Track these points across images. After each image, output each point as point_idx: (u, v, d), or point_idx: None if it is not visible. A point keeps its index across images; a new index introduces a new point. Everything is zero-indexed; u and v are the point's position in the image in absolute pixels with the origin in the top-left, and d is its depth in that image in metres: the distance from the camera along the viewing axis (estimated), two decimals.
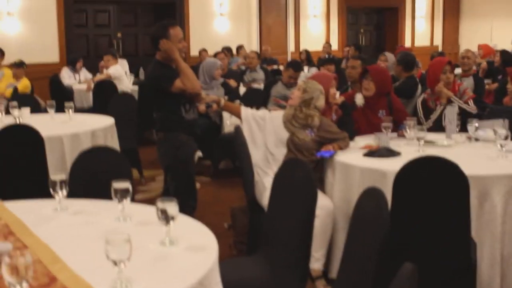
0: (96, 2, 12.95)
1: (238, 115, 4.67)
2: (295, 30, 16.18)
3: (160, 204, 2.36)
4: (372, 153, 4.12)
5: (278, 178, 3.27)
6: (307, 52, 13.89)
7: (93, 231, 2.64)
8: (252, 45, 15.05)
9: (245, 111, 4.65)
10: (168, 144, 4.66)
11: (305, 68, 11.60)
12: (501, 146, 3.98)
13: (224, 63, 9.34)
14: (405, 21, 19.10)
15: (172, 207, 2.35)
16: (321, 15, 16.87)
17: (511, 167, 3.79)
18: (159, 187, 6.64)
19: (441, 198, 3.20)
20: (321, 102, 4.48)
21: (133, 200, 2.81)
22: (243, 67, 10.31)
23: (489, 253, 3.58)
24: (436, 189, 3.20)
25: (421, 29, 19.63)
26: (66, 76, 10.40)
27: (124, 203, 2.70)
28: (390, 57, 7.89)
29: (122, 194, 2.67)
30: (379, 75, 5.10)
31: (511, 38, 17.92)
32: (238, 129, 4.53)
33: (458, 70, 8.76)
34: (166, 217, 2.35)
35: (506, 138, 4.00)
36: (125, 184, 2.68)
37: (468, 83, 7.27)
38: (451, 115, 4.65)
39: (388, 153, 4.07)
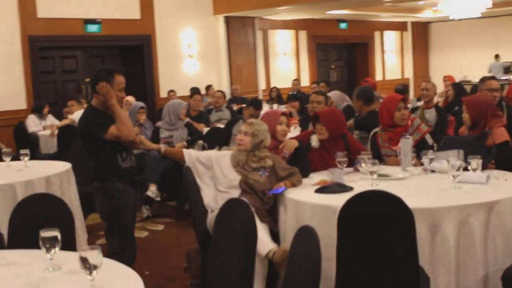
0: (63, 48, 12.88)
1: (182, 160, 4.56)
2: (265, 68, 16.26)
3: (82, 253, 2.26)
4: (323, 189, 4.04)
5: (220, 218, 3.19)
6: (277, 89, 13.91)
7: (19, 284, 2.53)
8: (223, 85, 15.05)
9: (188, 155, 4.55)
10: (104, 193, 4.43)
11: (275, 106, 11.59)
12: (454, 177, 3.92)
13: (198, 105, 9.28)
14: (375, 55, 19.31)
15: (94, 256, 2.25)
16: (291, 52, 16.98)
17: (462, 198, 3.72)
18: None
19: (386, 233, 3.13)
20: (269, 140, 4.46)
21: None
22: (210, 107, 10.26)
23: (444, 287, 3.49)
24: (380, 223, 3.13)
25: (391, 62, 19.85)
26: (32, 124, 10.28)
27: (52, 252, 2.59)
28: (335, 93, 7.90)
29: (51, 243, 2.57)
30: (330, 120, 4.99)
31: (480, 69, 18.18)
32: (187, 169, 4.45)
33: (420, 103, 8.82)
34: (88, 266, 2.25)
35: (458, 169, 3.95)
36: (53, 233, 2.58)
37: (430, 115, 7.29)
38: (405, 148, 4.60)
39: (340, 188, 4.00)
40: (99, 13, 12.54)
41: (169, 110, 7.51)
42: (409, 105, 8.86)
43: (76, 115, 9.20)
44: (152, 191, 7.00)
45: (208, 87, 13.18)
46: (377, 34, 19.38)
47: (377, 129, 5.25)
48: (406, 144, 4.60)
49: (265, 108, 12.07)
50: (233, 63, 15.25)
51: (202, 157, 4.51)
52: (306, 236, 2.36)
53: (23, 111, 11.22)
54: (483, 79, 6.32)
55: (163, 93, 13.37)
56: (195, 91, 12.13)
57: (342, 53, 19.28)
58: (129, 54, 13.87)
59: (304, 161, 4.69)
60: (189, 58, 14.55)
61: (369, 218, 3.13)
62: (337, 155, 4.66)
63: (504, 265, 3.57)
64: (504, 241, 3.62)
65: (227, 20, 15.03)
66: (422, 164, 4.52)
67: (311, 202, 3.84)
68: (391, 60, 19.84)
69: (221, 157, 4.49)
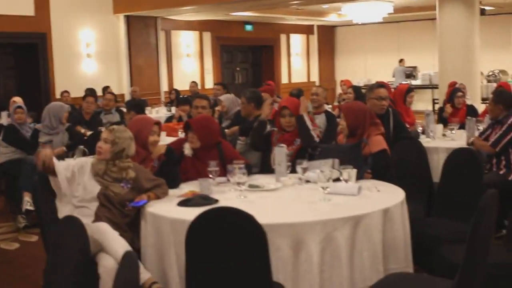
0: None
1: (53, 171, 4.10)
2: (167, 69, 15.90)
3: None
4: (186, 201, 3.77)
5: (56, 236, 2.87)
6: (176, 91, 13.57)
7: None
8: (123, 86, 14.63)
9: (58, 165, 4.12)
10: None
11: (173, 108, 11.25)
12: (323, 188, 3.72)
13: (91, 108, 8.78)
14: (281, 58, 19.26)
15: None
16: (195, 54, 16.71)
17: (328, 211, 3.52)
18: None
19: (236, 252, 2.89)
20: (132, 150, 4.12)
21: None
22: (99, 110, 9.77)
23: None
24: (229, 242, 2.88)
25: (297, 65, 19.87)
26: None
27: None
28: (226, 97, 7.75)
29: None
30: (201, 128, 4.71)
31: (384, 73, 18.44)
32: (40, 180, 4.08)
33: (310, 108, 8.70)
34: None
35: (328, 179, 3.76)
36: None
37: (320, 121, 7.13)
38: (279, 157, 4.38)
39: (203, 201, 3.73)
40: None
41: (49, 113, 7.04)
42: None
43: None
44: (27, 201, 6.52)
45: (105, 89, 12.67)
46: (283, 37, 19.35)
47: (274, 128, 5.09)
48: (280, 153, 4.39)
49: (162, 111, 11.78)
50: (134, 64, 14.84)
51: (76, 165, 4.12)
52: (127, 263, 2.07)
53: None
54: (371, 88, 6.22)
55: (58, 94, 12.77)
56: (89, 92, 11.65)
57: (248, 55, 19.14)
58: (23, 52, 13.23)
59: (173, 170, 4.41)
60: (87, 58, 14.06)
61: (217, 236, 2.87)
62: (209, 165, 4.44)
63: (371, 281, 3.40)
64: (371, 256, 3.44)
65: (128, 19, 14.63)
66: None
67: (170, 216, 3.55)
68: (297, 63, 19.86)
69: (84, 165, 4.12)
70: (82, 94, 12.18)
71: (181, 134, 6.82)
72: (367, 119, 4.66)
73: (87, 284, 3.02)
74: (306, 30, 20.05)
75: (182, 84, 15.07)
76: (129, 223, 3.95)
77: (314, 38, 20.35)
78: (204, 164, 4.48)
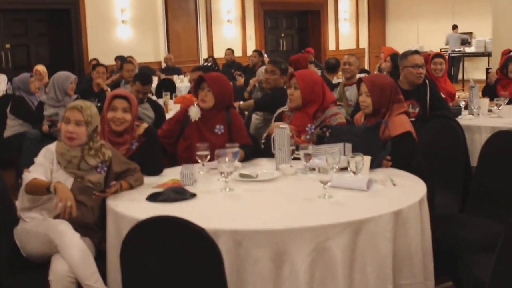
0: None
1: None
2: (207, 36, 15.22)
3: None
4: (156, 196, 3.11)
5: None
6: (213, 59, 12.91)
7: None
8: (160, 53, 14.06)
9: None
10: None
11: None
12: (323, 183, 3.01)
13: (102, 78, 8.15)
14: (328, 24, 18.31)
15: None
16: (236, 20, 15.96)
17: (322, 213, 2.82)
18: None
19: (180, 273, 2.23)
20: (99, 126, 3.48)
21: None
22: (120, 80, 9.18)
23: None
24: (171, 261, 2.22)
25: (345, 32, 18.88)
26: None
27: None
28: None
29: None
30: (218, 85, 4.14)
31: (437, 40, 17.35)
32: None
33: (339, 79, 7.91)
34: None
35: (333, 169, 3.05)
36: None
37: (351, 93, 6.37)
38: (280, 140, 3.67)
39: (175, 195, 3.07)
40: None
41: (54, 84, 6.49)
42: (339, 80, 7.98)
43: None
44: None
45: (122, 59, 11.87)
46: (330, 1, 18.34)
47: (285, 108, 4.34)
48: (281, 136, 3.67)
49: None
50: (171, 30, 14.25)
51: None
52: None
53: None
54: (405, 54, 5.43)
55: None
56: (120, 60, 11.14)
57: (293, 21, 18.24)
58: (55, 18, 12.81)
59: (154, 152, 3.76)
60: (122, 24, 13.53)
61: (156, 254, 2.22)
62: (218, 130, 4.05)
63: None
64: (376, 272, 2.72)
65: None
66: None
67: (130, 215, 2.89)
68: (345, 29, 18.85)
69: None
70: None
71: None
72: (392, 95, 3.92)
73: None
74: None
75: (222, 52, 14.36)
76: (98, 221, 3.33)
77: (363, 2, 19.23)
78: (209, 127, 4.10)
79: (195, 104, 4.22)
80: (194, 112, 4.16)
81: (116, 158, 3.46)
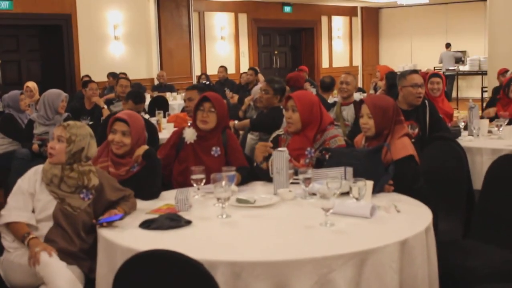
0: None
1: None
2: (200, 53, 15.12)
3: None
4: (149, 223, 2.96)
5: None
6: (206, 76, 12.80)
7: None
8: (152, 70, 13.95)
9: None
10: None
11: None
12: (325, 211, 2.87)
13: (94, 95, 8.00)
14: (322, 41, 18.27)
15: None
16: (229, 37, 15.88)
17: (325, 243, 2.68)
18: None
19: None
20: (94, 150, 3.35)
21: None
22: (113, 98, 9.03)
23: None
24: None
25: (339, 49, 18.85)
26: None
27: None
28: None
29: None
30: (221, 105, 4.04)
31: (431, 58, 17.32)
32: None
33: (336, 98, 7.79)
34: None
35: (334, 195, 2.92)
36: None
37: (348, 113, 6.26)
38: (279, 163, 3.54)
39: (169, 222, 2.92)
40: None
41: (45, 102, 6.37)
42: (334, 99, 7.87)
43: None
44: None
45: (114, 75, 11.72)
46: (324, 19, 18.33)
47: (280, 131, 4.21)
48: (279, 158, 3.54)
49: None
50: (164, 47, 14.15)
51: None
52: None
53: None
54: (403, 74, 5.31)
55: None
56: (113, 77, 11.00)
57: (287, 38, 18.20)
58: (47, 34, 12.65)
59: (153, 176, 3.61)
60: (115, 41, 13.39)
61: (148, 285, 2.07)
62: (215, 152, 3.95)
63: None
64: None
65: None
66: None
67: (121, 244, 2.74)
68: (338, 47, 18.82)
69: (38, 173, 3.33)
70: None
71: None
72: (394, 116, 3.79)
73: None
74: (349, 12, 18.95)
75: (215, 69, 14.23)
76: (88, 249, 3.18)
77: (357, 20, 19.23)
78: (205, 149, 3.97)
79: (189, 125, 4.09)
80: (190, 134, 4.03)
81: (110, 186, 3.32)
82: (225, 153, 4.01)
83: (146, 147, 3.71)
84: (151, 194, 3.55)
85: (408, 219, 3.00)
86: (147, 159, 3.63)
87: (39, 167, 3.27)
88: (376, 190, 3.39)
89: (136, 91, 6.29)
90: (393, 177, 3.52)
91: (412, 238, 2.73)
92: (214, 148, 4.01)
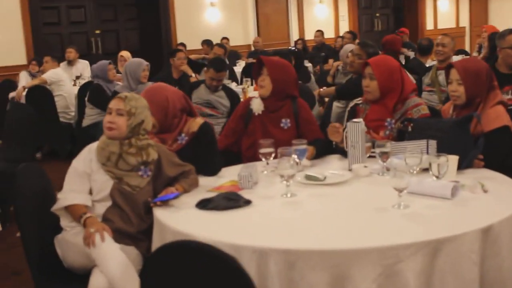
0: None
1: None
2: (298, 18, 14.74)
3: None
4: (205, 203, 2.75)
5: None
6: (303, 41, 12.44)
7: None
8: (249, 36, 13.72)
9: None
10: None
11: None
12: (399, 191, 2.55)
13: (182, 64, 7.82)
14: (426, 1, 17.39)
15: None
16: (328, 0, 15.37)
17: (393, 229, 2.37)
18: None
19: None
20: (150, 123, 3.14)
21: None
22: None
23: None
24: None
25: (444, 10, 17.88)
26: (23, 81, 9.18)
27: None
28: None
29: None
30: (276, 68, 3.78)
31: None
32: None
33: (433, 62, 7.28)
34: None
35: (413, 171, 2.60)
36: None
37: (444, 78, 5.78)
38: (354, 136, 3.23)
39: (228, 203, 2.70)
40: None
41: (127, 72, 6.27)
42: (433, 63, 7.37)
43: (49, 74, 8.12)
44: None
45: (206, 42, 11.55)
46: None
47: (358, 100, 3.88)
48: (354, 131, 3.23)
49: None
50: (260, 12, 13.87)
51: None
52: None
53: (22, 67, 10.21)
54: (503, 34, 4.82)
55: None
56: (207, 44, 10.88)
57: (389, 0, 17.46)
58: (145, 3, 12.69)
59: (209, 150, 3.39)
60: (211, 7, 13.23)
61: (178, 282, 1.84)
62: (285, 124, 3.71)
63: None
64: None
65: None
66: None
67: (172, 226, 2.54)
68: (444, 7, 17.84)
69: (92, 151, 3.12)
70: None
71: None
72: (487, 82, 3.38)
73: None
74: None
75: (313, 34, 13.84)
76: (147, 229, 3.00)
77: None
78: (274, 122, 3.75)
79: (257, 96, 3.85)
80: (257, 105, 3.79)
81: (169, 161, 3.11)
82: (297, 125, 3.75)
83: (201, 121, 3.48)
84: (209, 170, 3.33)
85: (496, 201, 2.63)
86: (201, 133, 3.41)
87: (93, 145, 3.10)
88: (464, 165, 3.03)
89: (218, 58, 6.07)
90: (484, 151, 3.13)
91: (497, 224, 2.37)
92: (283, 120, 3.76)
